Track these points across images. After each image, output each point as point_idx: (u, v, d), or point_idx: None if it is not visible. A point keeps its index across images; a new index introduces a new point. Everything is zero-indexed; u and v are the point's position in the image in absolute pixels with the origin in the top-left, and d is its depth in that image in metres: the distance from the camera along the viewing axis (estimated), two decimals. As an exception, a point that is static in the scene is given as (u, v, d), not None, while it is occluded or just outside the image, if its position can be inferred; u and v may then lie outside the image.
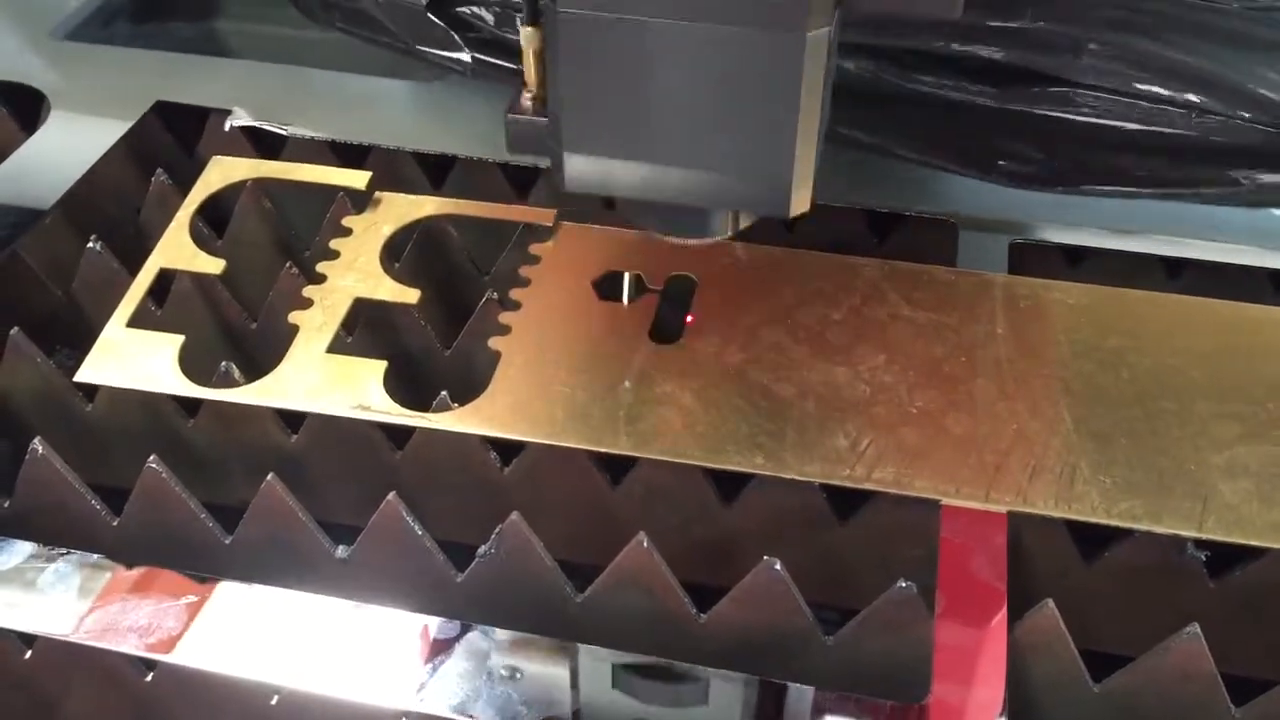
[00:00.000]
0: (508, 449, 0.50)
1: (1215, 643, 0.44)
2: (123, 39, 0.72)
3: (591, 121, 0.40)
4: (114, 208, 0.61)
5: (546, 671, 0.44)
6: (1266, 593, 0.45)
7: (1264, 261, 0.55)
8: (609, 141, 0.41)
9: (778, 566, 0.43)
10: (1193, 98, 0.59)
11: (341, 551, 0.47)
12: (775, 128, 0.39)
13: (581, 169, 0.42)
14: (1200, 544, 0.45)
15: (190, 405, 0.52)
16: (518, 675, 0.44)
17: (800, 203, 0.41)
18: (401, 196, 0.56)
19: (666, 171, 0.41)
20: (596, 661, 0.44)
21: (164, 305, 0.55)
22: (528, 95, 0.44)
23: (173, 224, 0.55)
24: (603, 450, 0.47)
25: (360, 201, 0.56)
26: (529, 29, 0.42)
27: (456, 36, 0.62)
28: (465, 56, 0.64)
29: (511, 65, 0.61)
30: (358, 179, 0.56)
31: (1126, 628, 0.47)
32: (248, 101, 0.64)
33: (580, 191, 0.43)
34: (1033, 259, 0.56)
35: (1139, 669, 0.42)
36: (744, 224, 0.46)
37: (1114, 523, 0.43)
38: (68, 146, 0.62)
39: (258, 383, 0.49)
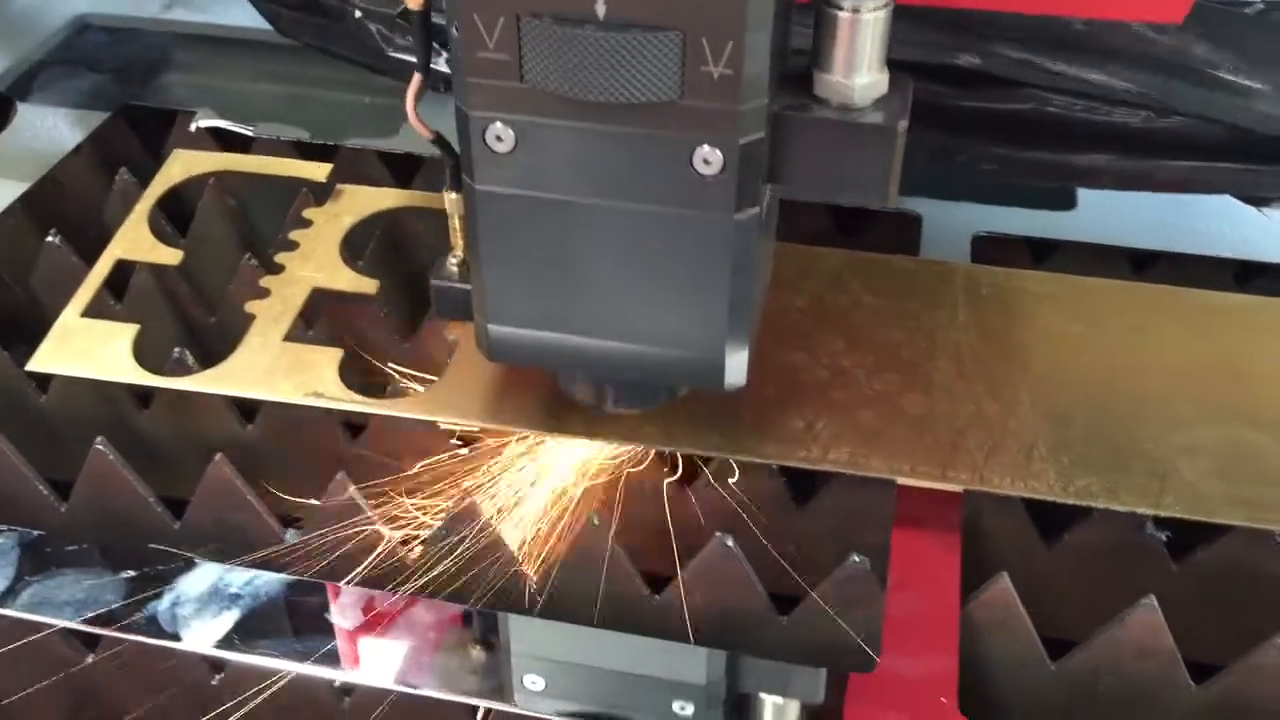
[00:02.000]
0: (467, 437, 0.49)
1: (1180, 626, 0.43)
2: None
3: (515, 295, 0.39)
4: (77, 207, 0.61)
5: None
6: (1228, 573, 0.45)
7: (1228, 252, 0.55)
8: (533, 315, 0.40)
9: (730, 542, 0.42)
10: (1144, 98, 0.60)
11: (290, 536, 0.46)
12: (705, 305, 0.38)
13: (506, 341, 0.41)
14: (1161, 525, 0.45)
15: (145, 396, 0.52)
16: None
17: (736, 374, 0.40)
18: (362, 189, 0.56)
19: (594, 346, 0.40)
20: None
21: (123, 299, 0.55)
22: (453, 260, 0.43)
23: (132, 215, 0.54)
24: (557, 435, 0.46)
25: (323, 196, 0.56)
26: (452, 195, 0.41)
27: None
28: (440, 67, 0.64)
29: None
30: (318, 171, 0.56)
31: (1091, 612, 0.46)
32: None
33: (506, 363, 0.43)
34: (998, 251, 0.56)
35: (1096, 644, 0.41)
36: (681, 394, 0.45)
37: (1071, 500, 0.43)
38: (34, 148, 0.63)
39: (211, 370, 0.48)
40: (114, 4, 0.74)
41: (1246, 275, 0.55)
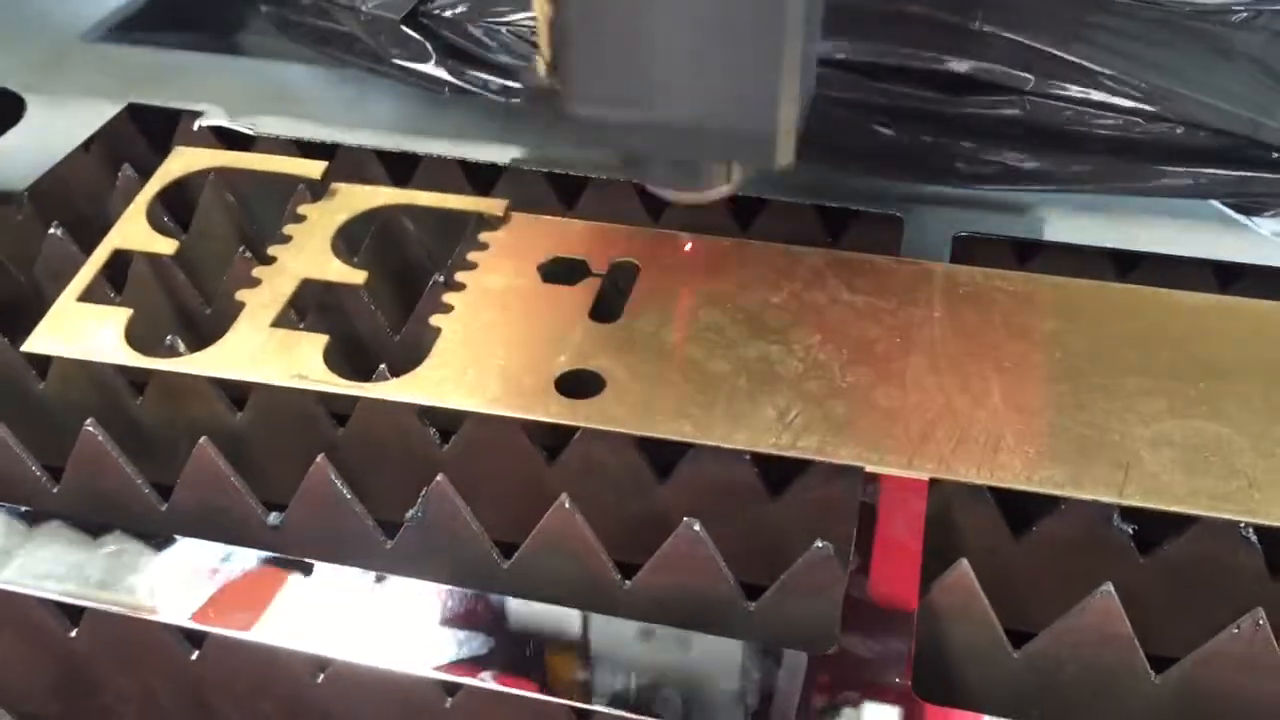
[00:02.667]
0: (448, 429, 0.50)
1: (1148, 618, 0.43)
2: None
3: (596, 76, 0.44)
4: (82, 201, 0.63)
5: None
6: (1196, 566, 0.45)
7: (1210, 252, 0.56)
8: (613, 96, 0.44)
9: (697, 527, 0.43)
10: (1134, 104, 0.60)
11: (274, 518, 0.47)
12: (760, 81, 0.42)
13: (589, 122, 0.44)
14: (1127, 517, 0.45)
15: (140, 384, 0.53)
16: None
17: (785, 153, 0.43)
18: (357, 187, 0.57)
19: (664, 126, 0.44)
20: None
21: (122, 290, 0.56)
22: (541, 61, 0.46)
23: (130, 207, 0.56)
24: (532, 418, 0.47)
25: (319, 193, 0.58)
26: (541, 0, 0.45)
27: (430, 47, 0.64)
28: (443, 74, 0.66)
29: (487, 76, 0.63)
30: (313, 168, 0.57)
31: (1059, 604, 0.47)
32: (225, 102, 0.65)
33: (591, 144, 0.47)
34: (981, 252, 0.57)
35: (1056, 631, 0.41)
36: (735, 177, 0.47)
37: (1034, 489, 0.43)
38: (43, 145, 0.64)
39: (199, 353, 0.50)
40: None
41: (1229, 278, 0.56)
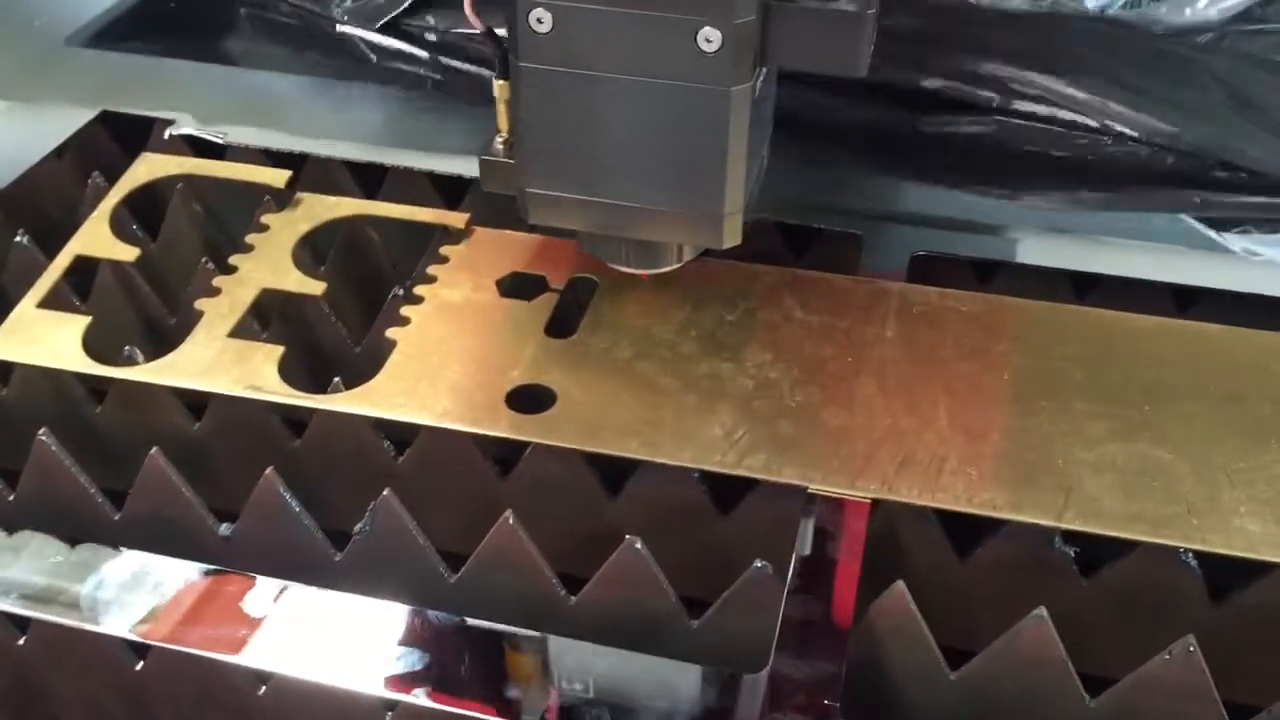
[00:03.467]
0: (403, 441, 0.51)
1: (1088, 641, 0.44)
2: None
3: (550, 161, 0.46)
4: (53, 208, 0.63)
5: None
6: (1136, 589, 0.45)
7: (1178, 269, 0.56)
8: (565, 179, 0.47)
9: (639, 545, 0.43)
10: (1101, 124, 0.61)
11: (225, 529, 0.48)
12: (707, 169, 0.45)
13: (542, 202, 0.47)
14: (1070, 539, 0.45)
15: (100, 392, 0.53)
16: None
17: (733, 235, 0.47)
18: (321, 197, 0.58)
19: (616, 208, 0.47)
20: None
21: (87, 298, 0.57)
22: (499, 139, 0.49)
23: (94, 213, 0.56)
24: (480, 432, 0.47)
25: (284, 202, 0.58)
26: (500, 82, 0.48)
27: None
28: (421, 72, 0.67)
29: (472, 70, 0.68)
30: (277, 177, 0.57)
31: (1001, 624, 0.47)
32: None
33: (543, 224, 0.49)
34: (939, 271, 0.57)
35: (992, 654, 0.42)
36: (688, 257, 0.51)
37: (974, 511, 0.44)
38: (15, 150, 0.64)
39: (155, 362, 0.50)
40: None
41: (1187, 301, 0.56)
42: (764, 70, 0.45)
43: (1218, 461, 0.45)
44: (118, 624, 0.42)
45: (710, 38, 0.42)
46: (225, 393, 0.49)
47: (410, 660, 0.41)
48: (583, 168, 0.46)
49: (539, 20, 0.43)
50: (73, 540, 0.46)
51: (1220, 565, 0.44)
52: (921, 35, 0.64)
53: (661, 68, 0.43)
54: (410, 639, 0.42)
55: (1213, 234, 0.60)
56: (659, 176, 0.46)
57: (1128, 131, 0.63)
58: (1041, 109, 0.64)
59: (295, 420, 0.52)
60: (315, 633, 0.42)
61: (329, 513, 0.49)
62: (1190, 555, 0.44)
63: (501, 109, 0.48)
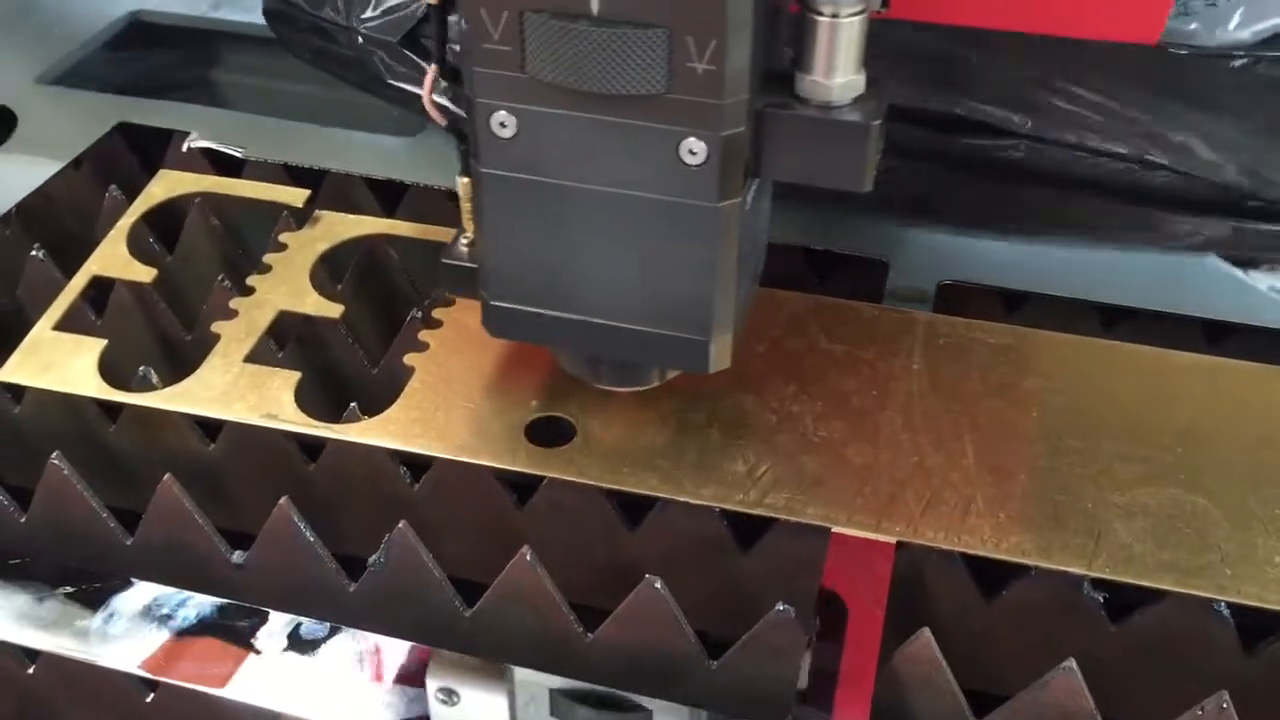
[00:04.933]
0: (419, 465, 0.50)
1: (1116, 688, 0.43)
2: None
3: (516, 272, 0.42)
4: (69, 221, 0.62)
5: (485, 696, 0.45)
6: (1166, 637, 0.44)
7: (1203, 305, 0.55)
8: (532, 292, 0.42)
9: (659, 585, 0.42)
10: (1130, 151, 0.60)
11: (238, 557, 0.47)
12: (692, 289, 0.41)
13: (507, 316, 0.43)
14: (1099, 585, 0.45)
15: (114, 411, 0.53)
16: (455, 699, 0.44)
17: (721, 359, 0.42)
18: (340, 215, 0.57)
19: (588, 324, 0.43)
20: (534, 686, 0.45)
21: (103, 315, 0.56)
22: (464, 240, 0.45)
23: (112, 232, 0.56)
24: (501, 466, 0.46)
25: (303, 220, 0.57)
26: (463, 179, 0.43)
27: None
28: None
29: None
30: (296, 196, 0.57)
31: (1027, 668, 0.46)
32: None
33: (508, 339, 0.46)
34: (966, 300, 0.56)
35: (1018, 705, 0.41)
36: (671, 374, 0.47)
37: (1002, 556, 0.43)
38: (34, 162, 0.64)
39: (170, 388, 0.49)
40: (163, 2, 0.78)
41: (1217, 336, 0.55)
42: (756, 181, 0.41)
43: (1252, 508, 0.44)
44: (127, 657, 0.41)
45: (695, 149, 0.37)
46: (241, 421, 0.48)
47: (419, 707, 0.40)
48: (551, 282, 0.42)
49: (502, 124, 0.39)
50: (82, 569, 0.45)
51: (1253, 614, 0.43)
52: (951, 59, 0.63)
53: (640, 180, 0.39)
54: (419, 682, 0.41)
55: (1237, 272, 0.59)
56: (637, 295, 0.41)
57: (1157, 159, 0.62)
58: (1069, 135, 0.63)
59: (310, 443, 0.51)
60: (319, 673, 0.42)
61: (342, 539, 0.48)
62: (1223, 604, 0.43)
63: (465, 208, 0.44)
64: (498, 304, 0.43)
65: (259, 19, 0.76)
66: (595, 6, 0.35)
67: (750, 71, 0.36)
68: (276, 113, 0.67)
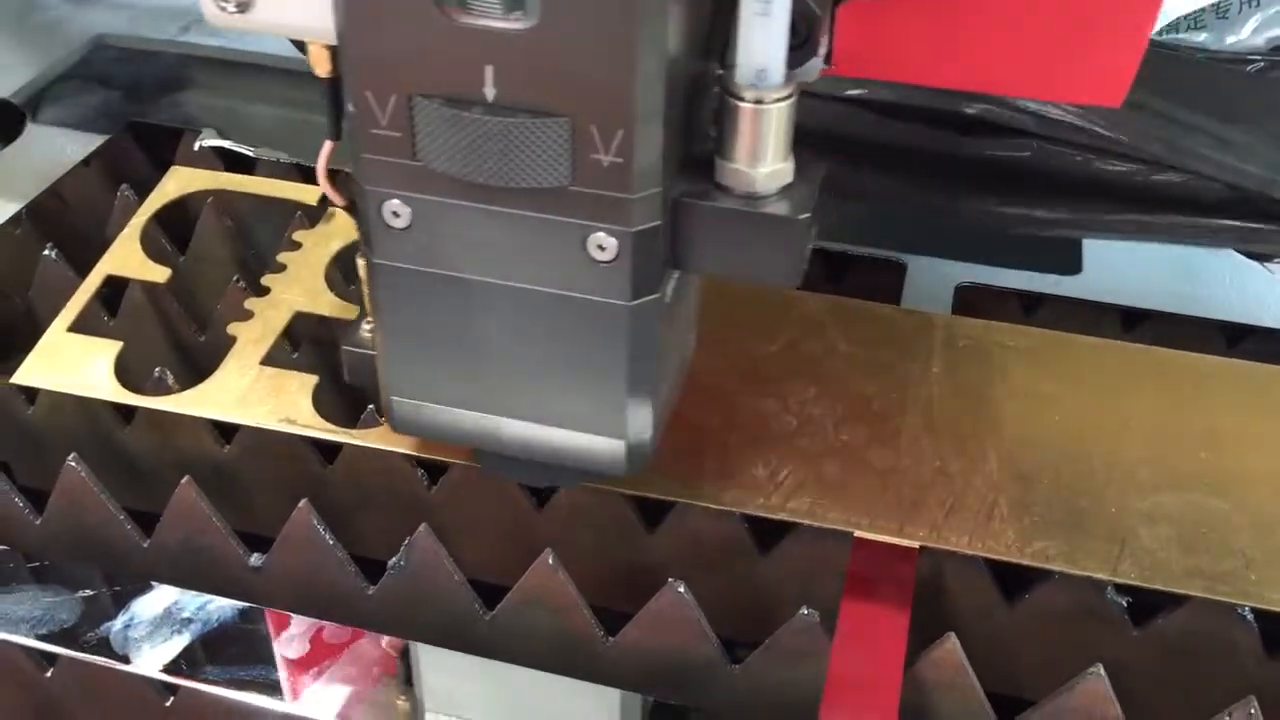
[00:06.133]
0: (437, 468, 0.50)
1: (1138, 693, 0.43)
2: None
3: (416, 368, 0.39)
4: (80, 221, 0.62)
5: None
6: (1189, 642, 0.44)
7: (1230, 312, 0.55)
8: (434, 390, 0.40)
9: (681, 589, 0.42)
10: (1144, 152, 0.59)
11: (255, 559, 0.47)
12: (605, 392, 0.38)
13: (408, 414, 0.40)
14: (1121, 590, 0.44)
15: (128, 412, 0.53)
16: None
17: (636, 463, 0.39)
18: (354, 216, 0.57)
19: (494, 425, 0.40)
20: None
21: (116, 315, 0.56)
22: (367, 326, 0.42)
23: (125, 231, 0.55)
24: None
25: (317, 218, 0.57)
26: (361, 260, 0.39)
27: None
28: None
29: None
30: (309, 194, 0.57)
31: (1049, 672, 0.46)
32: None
33: (412, 435, 0.42)
34: (984, 302, 0.56)
35: (1044, 711, 0.41)
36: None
37: (1026, 562, 0.43)
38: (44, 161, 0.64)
39: (188, 392, 0.49)
40: (131, 25, 0.76)
41: (1237, 337, 0.55)
42: (677, 274, 0.37)
43: (1274, 513, 0.44)
44: (148, 662, 0.41)
45: (604, 245, 0.34)
46: (259, 425, 0.48)
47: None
48: (456, 380, 0.39)
49: (394, 213, 0.35)
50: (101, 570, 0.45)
51: (1276, 619, 0.43)
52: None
53: (546, 276, 0.35)
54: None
55: (1256, 265, 0.59)
56: (545, 396, 0.38)
57: (1168, 160, 0.62)
58: (1083, 135, 0.63)
59: (327, 445, 0.51)
60: (335, 675, 0.42)
61: (358, 542, 0.48)
62: (1247, 609, 0.43)
63: (366, 291, 0.40)
64: (399, 400, 0.40)
65: (229, 42, 0.73)
66: (490, 93, 0.32)
67: (664, 161, 0.33)
68: (248, 141, 0.65)
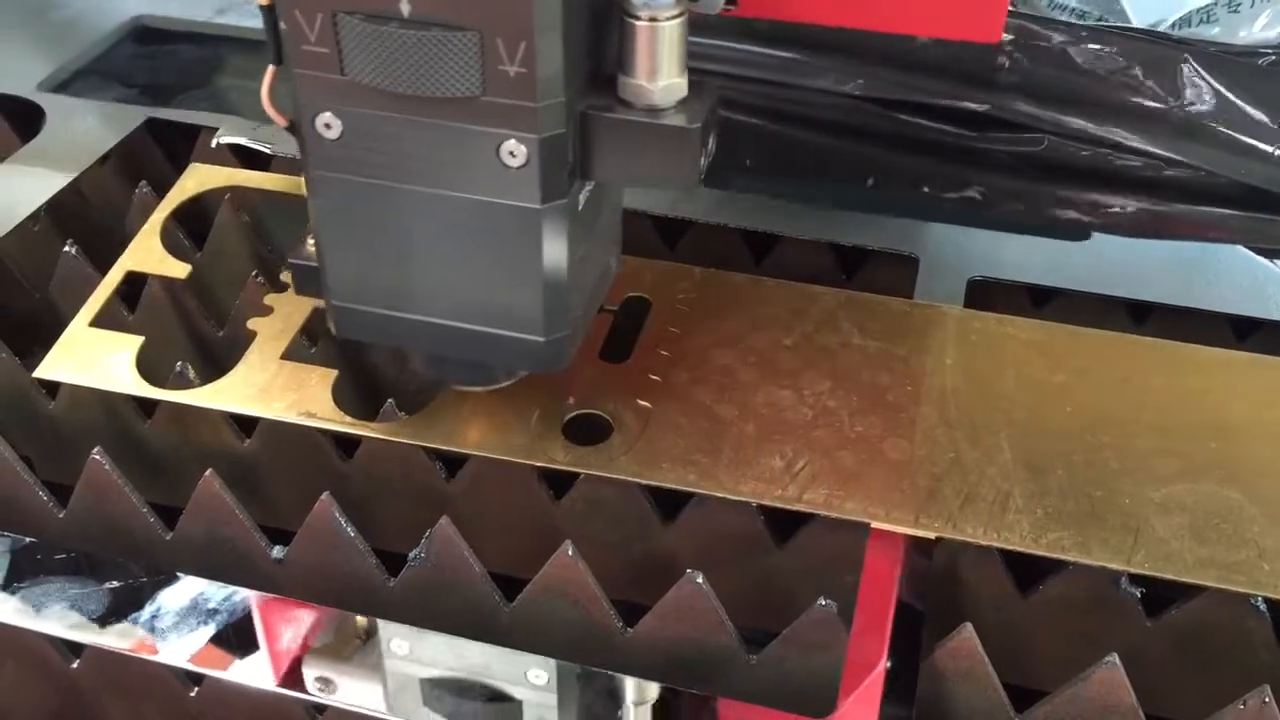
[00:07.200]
0: (456, 461, 0.50)
1: (1152, 683, 0.43)
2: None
3: (353, 273, 0.42)
4: (100, 216, 0.63)
5: (359, 685, 0.46)
6: (1203, 632, 0.45)
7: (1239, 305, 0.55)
8: (371, 292, 0.42)
9: (700, 580, 0.43)
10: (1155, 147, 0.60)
11: (277, 551, 0.47)
12: (523, 290, 0.41)
13: (348, 316, 0.43)
14: (1135, 580, 0.45)
15: (149, 406, 0.53)
16: (331, 687, 0.45)
17: (558, 359, 0.43)
18: (371, 212, 0.57)
19: (427, 324, 0.43)
20: (405, 677, 0.45)
21: (135, 310, 0.56)
22: (310, 240, 0.44)
23: (145, 227, 0.56)
24: (539, 464, 0.47)
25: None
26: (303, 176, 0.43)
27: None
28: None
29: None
30: (328, 192, 0.57)
31: (1065, 663, 0.46)
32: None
33: (351, 338, 0.45)
34: (995, 296, 0.56)
35: (1059, 700, 0.41)
36: (518, 375, 0.47)
37: (1041, 552, 0.43)
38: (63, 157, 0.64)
39: (208, 386, 0.49)
40: (167, 7, 0.78)
41: (1246, 330, 0.55)
42: (590, 183, 0.41)
43: (1287, 503, 0.44)
44: (174, 652, 0.42)
45: (515, 151, 0.37)
46: (280, 419, 0.48)
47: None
48: (389, 283, 0.42)
49: (326, 125, 0.38)
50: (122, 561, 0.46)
51: (1289, 608, 0.44)
52: (973, 51, 0.63)
53: (464, 182, 0.39)
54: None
55: (1265, 263, 0.59)
56: (470, 295, 0.41)
57: (1178, 157, 0.62)
58: (1094, 129, 0.64)
59: (346, 438, 0.52)
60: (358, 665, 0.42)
61: (377, 534, 0.49)
62: (1260, 599, 0.44)
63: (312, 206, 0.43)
64: (339, 304, 0.43)
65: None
66: (405, 9, 0.35)
67: (566, 74, 0.36)
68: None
